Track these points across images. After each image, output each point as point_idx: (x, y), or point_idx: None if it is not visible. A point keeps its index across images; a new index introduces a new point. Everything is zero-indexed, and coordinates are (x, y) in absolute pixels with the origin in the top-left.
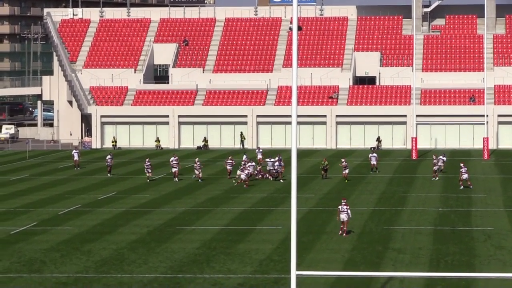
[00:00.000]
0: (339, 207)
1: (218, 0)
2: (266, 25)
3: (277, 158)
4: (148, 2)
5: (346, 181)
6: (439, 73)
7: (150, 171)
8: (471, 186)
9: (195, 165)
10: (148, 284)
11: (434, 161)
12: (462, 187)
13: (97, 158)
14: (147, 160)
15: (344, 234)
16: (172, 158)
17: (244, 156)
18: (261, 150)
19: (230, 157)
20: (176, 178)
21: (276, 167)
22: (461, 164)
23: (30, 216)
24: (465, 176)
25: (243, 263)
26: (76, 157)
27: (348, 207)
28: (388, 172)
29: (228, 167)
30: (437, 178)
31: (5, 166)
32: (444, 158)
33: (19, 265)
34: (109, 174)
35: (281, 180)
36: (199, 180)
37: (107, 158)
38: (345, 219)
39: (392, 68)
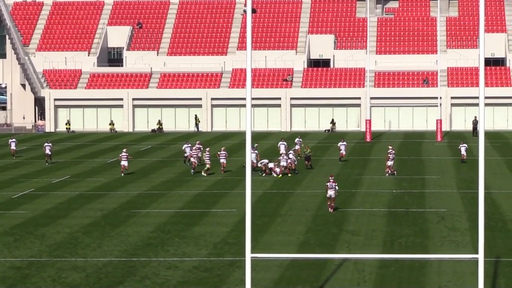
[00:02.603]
0: (327, 183)
1: None
2: (220, 7)
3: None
4: None
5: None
6: (393, 56)
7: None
8: (387, 174)
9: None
10: (102, 267)
11: (390, 149)
12: (387, 174)
13: (50, 142)
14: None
15: (331, 210)
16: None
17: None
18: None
19: (223, 148)
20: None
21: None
22: (390, 147)
23: None
24: (390, 162)
25: (198, 246)
26: (13, 146)
27: (335, 184)
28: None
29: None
30: (388, 174)
31: None
32: (466, 146)
33: None
34: (46, 164)
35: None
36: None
37: (45, 146)
38: (333, 195)
39: (346, 51)
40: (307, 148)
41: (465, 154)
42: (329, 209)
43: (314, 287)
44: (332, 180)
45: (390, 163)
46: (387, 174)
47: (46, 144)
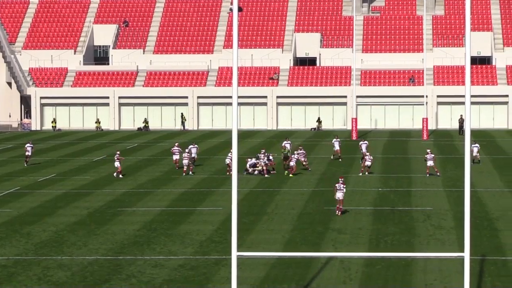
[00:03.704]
0: (336, 185)
1: None
2: (206, 6)
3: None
4: None
5: (289, 175)
6: (379, 54)
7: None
8: (438, 174)
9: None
10: (88, 266)
11: (427, 156)
12: (428, 175)
13: (36, 140)
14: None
15: (338, 213)
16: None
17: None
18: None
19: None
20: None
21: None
22: (428, 151)
23: None
24: (430, 163)
25: (184, 245)
26: None
27: (344, 185)
28: (328, 153)
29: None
30: (438, 174)
31: None
32: (478, 146)
33: None
34: (25, 164)
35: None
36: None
37: (26, 146)
38: (341, 197)
39: (332, 49)
40: (284, 148)
41: (477, 155)
42: (337, 211)
43: (300, 286)
44: (341, 182)
45: (430, 163)
46: (427, 175)
47: (27, 145)
